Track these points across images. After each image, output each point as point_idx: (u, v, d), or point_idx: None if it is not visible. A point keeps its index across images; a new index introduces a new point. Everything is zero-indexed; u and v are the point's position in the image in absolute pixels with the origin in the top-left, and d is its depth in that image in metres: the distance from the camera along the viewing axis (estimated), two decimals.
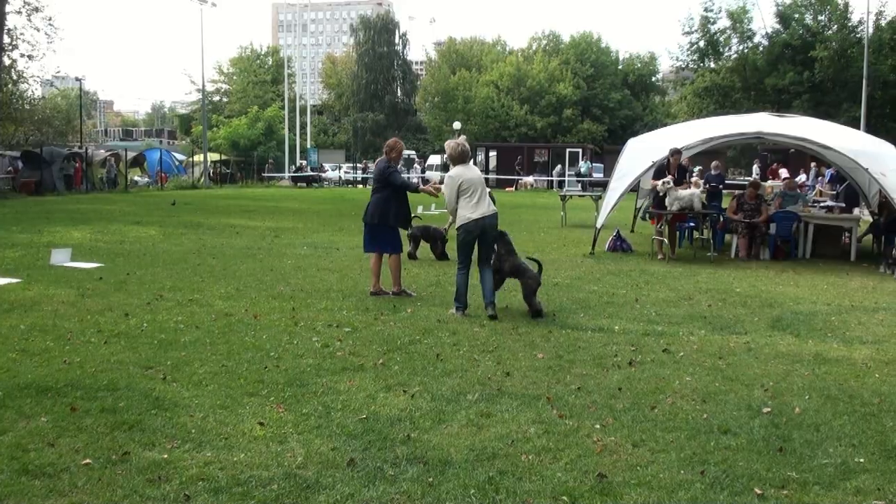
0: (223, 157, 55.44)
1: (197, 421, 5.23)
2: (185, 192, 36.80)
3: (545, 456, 4.78)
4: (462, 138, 9.42)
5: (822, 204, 18.20)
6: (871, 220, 16.75)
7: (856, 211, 17.34)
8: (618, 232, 15.66)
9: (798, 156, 32.89)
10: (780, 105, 48.41)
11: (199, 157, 49.74)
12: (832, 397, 6.04)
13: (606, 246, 15.39)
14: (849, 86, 49.68)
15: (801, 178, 29.03)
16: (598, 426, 5.30)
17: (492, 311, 8.87)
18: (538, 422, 5.36)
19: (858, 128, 34.08)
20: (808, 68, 51.77)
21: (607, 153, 54.15)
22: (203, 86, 56.26)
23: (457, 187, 8.93)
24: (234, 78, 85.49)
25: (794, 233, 15.41)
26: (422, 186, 10.86)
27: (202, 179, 46.30)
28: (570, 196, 23.40)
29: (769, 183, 22.82)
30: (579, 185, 39.37)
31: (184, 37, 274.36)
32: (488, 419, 5.40)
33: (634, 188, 17.03)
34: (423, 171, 55.08)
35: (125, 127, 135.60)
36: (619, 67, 78.33)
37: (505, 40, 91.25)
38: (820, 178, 28.18)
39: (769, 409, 5.68)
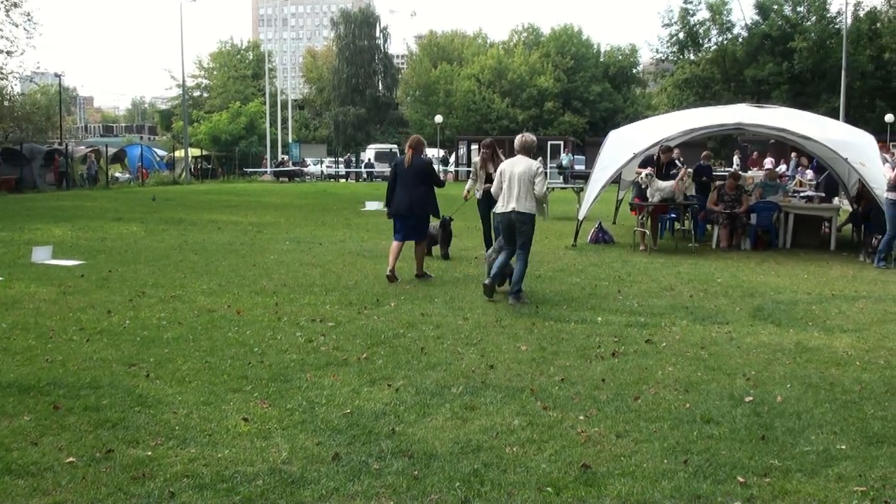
0: (204, 153, 55.22)
1: (181, 418, 5.21)
2: (166, 188, 36.63)
3: (529, 448, 4.80)
4: (528, 135, 9.89)
5: (802, 194, 18.31)
6: (850, 209, 16.86)
7: (835, 201, 17.46)
8: (600, 224, 15.70)
9: (778, 146, 33.08)
10: (760, 96, 48.76)
11: (180, 153, 49.53)
12: (814, 385, 6.09)
13: (589, 238, 15.43)
14: (828, 76, 50.15)
15: (782, 168, 29.20)
16: (581, 417, 5.32)
17: (489, 283, 9.40)
18: (522, 414, 5.38)
19: (838, 118, 34.26)
20: (787, 59, 52.20)
21: (589, 145, 54.34)
22: (183, 81, 55.99)
23: (499, 174, 9.53)
24: (215, 73, 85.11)
25: (774, 223, 15.50)
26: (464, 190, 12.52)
27: (183, 175, 46.09)
28: (552, 188, 23.44)
29: (750, 173, 22.90)
30: (561, 177, 39.44)
31: (164, 32, 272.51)
32: (473, 412, 5.42)
33: (616, 180, 17.08)
34: None
35: (105, 123, 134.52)
36: (601, 60, 78.59)
37: (486, 33, 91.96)
38: (800, 169, 28.36)
39: (751, 398, 5.73)
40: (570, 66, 74.38)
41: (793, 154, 29.73)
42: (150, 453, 4.59)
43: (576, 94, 73.86)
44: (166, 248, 14.07)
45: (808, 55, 51.38)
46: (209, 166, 53.33)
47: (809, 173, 25.07)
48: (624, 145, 15.53)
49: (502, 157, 12.02)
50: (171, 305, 8.92)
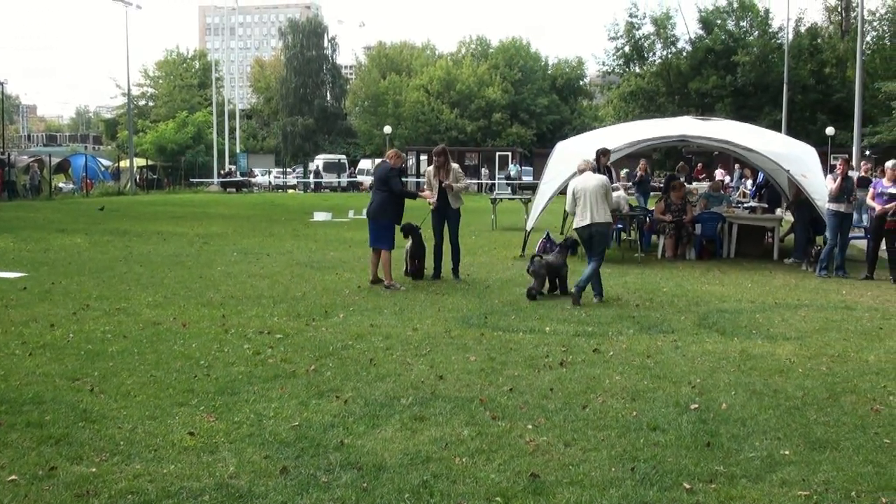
0: (150, 163, 54.47)
1: (125, 433, 5.13)
2: (111, 199, 36.02)
3: (479, 458, 4.81)
4: (588, 158, 11.45)
5: (745, 205, 18.64)
6: (792, 220, 17.20)
7: (778, 211, 17.81)
8: (547, 234, 15.75)
9: (722, 158, 33.66)
10: (704, 108, 49.72)
11: (125, 163, 48.80)
12: (757, 392, 6.20)
13: (536, 248, 15.46)
14: (770, 90, 51.30)
15: (725, 179, 29.74)
16: (530, 426, 5.35)
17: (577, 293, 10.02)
18: (471, 424, 5.40)
19: (780, 130, 35.07)
20: (730, 73, 53.26)
21: (536, 156, 54.68)
22: (129, 90, 55.17)
23: (572, 193, 10.40)
24: (161, 82, 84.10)
25: (718, 233, 15.76)
26: (420, 194, 11.99)
27: (128, 185, 45.42)
28: (501, 199, 23.59)
29: (694, 185, 23.23)
30: (509, 188, 39.68)
31: (109, 40, 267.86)
32: (422, 423, 5.42)
33: (563, 191, 17.18)
34: (353, 176, 54.94)
35: (49, 132, 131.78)
36: (548, 72, 79.21)
37: (434, 45, 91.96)
38: (744, 180, 28.92)
39: (696, 406, 5.81)
40: (517, 78, 74.89)
41: (736, 165, 30.25)
42: (94, 470, 4.51)
43: (523, 106, 74.34)
44: (111, 260, 13.84)
45: (750, 69, 52.51)
46: (155, 176, 52.63)
47: (750, 183, 25.58)
48: (571, 156, 15.64)
49: (453, 164, 12.06)
50: (115, 318, 8.78)
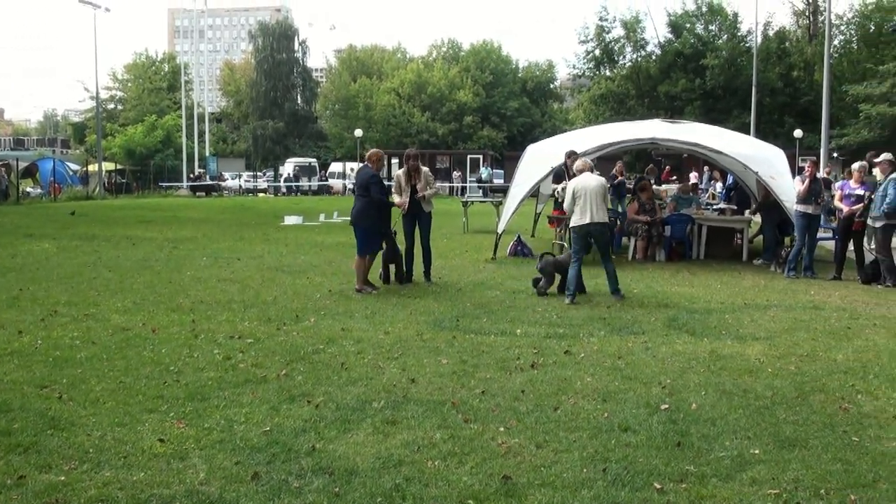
0: (119, 167, 53.94)
1: (95, 440, 5.08)
2: (80, 204, 35.61)
3: (451, 461, 4.82)
4: (586, 158, 11.87)
5: (714, 206, 18.76)
6: (761, 221, 17.29)
7: (747, 213, 17.96)
8: (519, 237, 15.84)
9: (692, 161, 33.91)
10: (673, 111, 50.09)
11: (93, 167, 48.31)
12: (727, 392, 6.25)
13: (508, 251, 15.55)
14: (738, 93, 51.78)
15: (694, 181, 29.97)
16: (502, 429, 5.37)
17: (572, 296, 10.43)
18: (444, 427, 5.40)
19: (748, 133, 35.34)
20: (699, 76, 53.73)
21: (507, 159, 54.87)
22: (97, 93, 54.65)
23: (572, 192, 10.63)
24: (129, 85, 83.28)
25: (688, 234, 15.89)
26: (396, 200, 11.80)
27: (97, 190, 44.96)
28: (472, 202, 23.62)
29: (664, 187, 23.35)
30: (481, 191, 39.75)
31: (77, 43, 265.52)
32: (394, 426, 5.41)
33: (535, 193, 17.28)
34: (324, 179, 54.78)
35: (16, 136, 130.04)
36: (518, 75, 79.42)
37: (405, 48, 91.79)
38: (713, 182, 29.02)
39: (667, 406, 5.86)
40: (489, 81, 75.08)
41: (705, 168, 30.42)
42: (63, 478, 4.47)
43: (494, 109, 74.56)
44: (79, 266, 13.70)
45: (719, 72, 52.99)
46: (124, 181, 52.11)
47: (720, 186, 25.70)
48: (541, 159, 15.71)
49: (424, 168, 12.05)
50: (84, 324, 8.69)
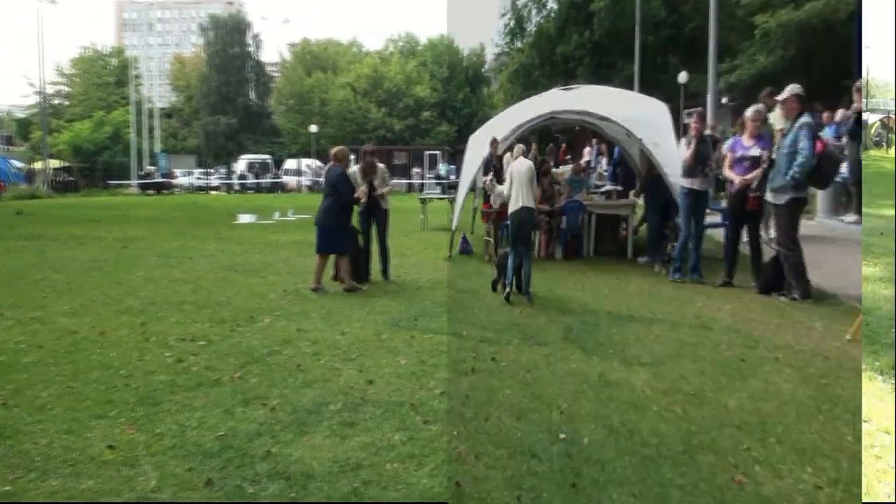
0: (65, 164, 52.99)
1: (41, 448, 4.94)
2: (24, 203, 34.87)
3: (410, 463, 4.76)
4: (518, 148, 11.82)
5: (602, 189, 16.83)
6: (644, 204, 14.24)
7: (631, 195, 15.55)
8: (464, 234, 15.54)
9: (584, 135, 29.15)
10: (568, 76, 45.83)
11: (39, 164, 47.38)
12: (615, 430, 5.67)
13: (458, 248, 15.29)
14: (623, 37, 45.40)
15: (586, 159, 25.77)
16: (455, 433, 5.31)
17: (507, 290, 10.31)
18: (402, 429, 5.33)
19: (633, 87, 32.75)
20: (588, 27, 48.84)
21: (459, 153, 53.85)
22: (43, 88, 53.61)
23: (509, 177, 10.65)
24: (76, 80, 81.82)
25: (580, 224, 14.30)
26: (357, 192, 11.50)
27: (43, 188, 44.09)
28: (431, 199, 23.47)
29: (561, 168, 19.71)
30: (439, 187, 39.58)
31: (21, 36, 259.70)
32: (352, 429, 5.33)
33: (473, 187, 16.52)
34: (279, 176, 54.30)
35: None
36: (464, 64, 78.27)
37: (361, 42, 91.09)
38: (600, 157, 25.79)
39: (564, 437, 5.45)
40: (445, 75, 74.88)
41: (593, 140, 26.59)
42: (8, 488, 4.35)
43: (450, 104, 74.38)
44: (24, 266, 13.38)
45: (605, 16, 47.29)
46: (71, 178, 51.17)
47: (605, 161, 23.46)
48: (477, 151, 15.41)
49: (380, 165, 11.96)
50: (30, 328, 8.47)
